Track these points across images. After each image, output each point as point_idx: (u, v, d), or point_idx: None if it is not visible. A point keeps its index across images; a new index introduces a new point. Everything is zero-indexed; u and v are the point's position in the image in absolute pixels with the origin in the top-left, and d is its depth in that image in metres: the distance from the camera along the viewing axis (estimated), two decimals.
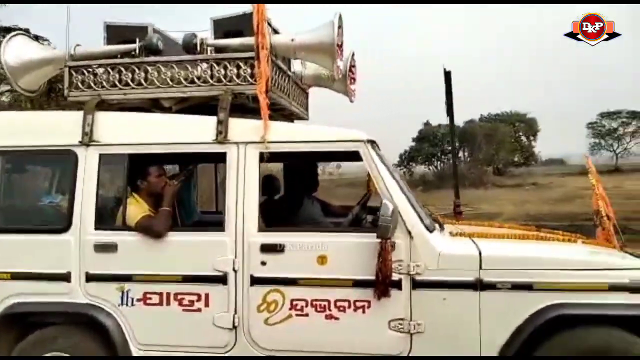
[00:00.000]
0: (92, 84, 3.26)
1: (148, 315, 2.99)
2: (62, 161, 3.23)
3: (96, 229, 3.06)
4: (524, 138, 36.15)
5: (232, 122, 3.04)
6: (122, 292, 3.01)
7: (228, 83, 3.13)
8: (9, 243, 3.14)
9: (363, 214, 3.32)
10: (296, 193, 3.67)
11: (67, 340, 3.06)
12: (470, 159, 31.55)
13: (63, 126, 3.21)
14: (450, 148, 32.36)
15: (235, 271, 2.93)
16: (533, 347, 2.69)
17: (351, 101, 4.12)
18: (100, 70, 3.26)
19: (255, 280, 2.92)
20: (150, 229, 2.98)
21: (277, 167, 4.61)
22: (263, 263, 2.91)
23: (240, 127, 3.05)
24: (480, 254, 2.78)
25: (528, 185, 25.52)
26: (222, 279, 2.94)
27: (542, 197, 19.36)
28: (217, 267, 2.93)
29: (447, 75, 5.19)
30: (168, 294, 2.98)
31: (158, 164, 3.27)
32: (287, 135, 3.03)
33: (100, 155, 3.11)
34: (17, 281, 3.09)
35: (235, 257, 2.93)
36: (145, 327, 3.01)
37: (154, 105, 3.35)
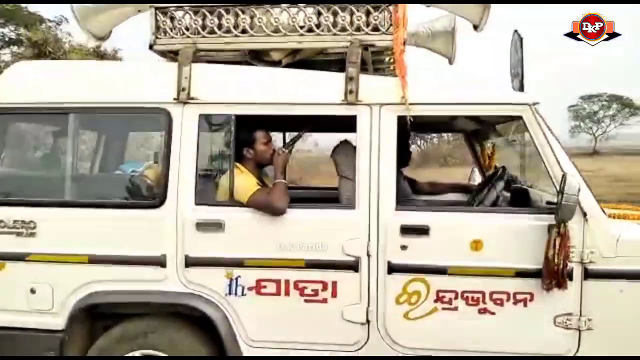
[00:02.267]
0: (184, 30, 2.70)
1: (262, 306, 2.53)
2: (151, 122, 2.71)
3: (197, 203, 2.55)
4: None
5: (362, 80, 2.54)
6: (231, 280, 2.53)
7: (355, 32, 2.61)
8: (86, 219, 2.61)
9: (501, 192, 2.87)
10: None
11: (161, 335, 2.56)
12: (454, 139, 31.39)
13: (153, 80, 2.66)
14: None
15: (369, 256, 2.48)
16: None
17: (451, 63, 3.65)
18: (192, 13, 2.69)
19: (393, 268, 2.47)
20: (269, 205, 2.49)
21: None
22: (403, 247, 2.46)
23: (373, 86, 2.56)
24: None
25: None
26: (353, 265, 2.48)
27: None
28: (348, 250, 2.47)
29: (521, 41, 4.32)
30: (287, 282, 2.51)
31: (264, 129, 2.76)
32: (433, 96, 2.54)
33: (200, 116, 2.58)
34: (96, 265, 2.57)
35: (369, 239, 2.47)
36: (258, 320, 2.54)
37: (255, 58, 2.81)
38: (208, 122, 2.63)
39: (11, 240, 2.61)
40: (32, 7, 14.98)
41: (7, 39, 16.15)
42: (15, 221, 2.61)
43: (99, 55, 11.11)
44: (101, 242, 2.58)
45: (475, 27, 2.75)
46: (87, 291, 2.58)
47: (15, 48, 15.74)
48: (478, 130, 3.63)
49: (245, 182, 2.59)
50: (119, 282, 2.57)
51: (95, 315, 2.66)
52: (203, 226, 2.52)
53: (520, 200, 2.78)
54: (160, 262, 2.54)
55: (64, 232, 2.60)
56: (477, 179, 3.93)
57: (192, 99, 2.57)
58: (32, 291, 2.61)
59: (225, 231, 2.52)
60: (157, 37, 2.72)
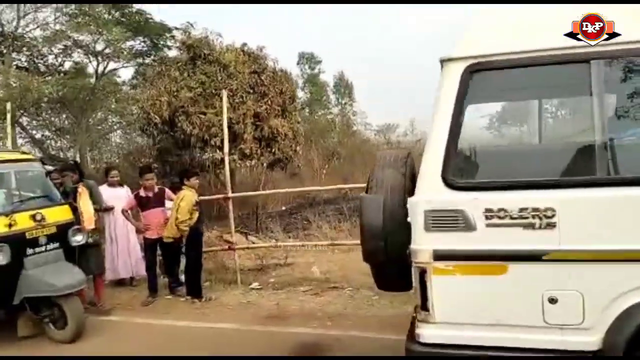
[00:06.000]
0: None
1: None
2: None
3: None
4: None
5: None
6: None
7: None
8: (631, 202, 1.91)
9: None
10: None
11: None
12: None
13: None
14: None
15: None
16: None
17: None
18: None
19: None
20: None
21: None
22: None
23: None
24: None
25: None
26: None
27: None
28: None
29: None
30: None
31: None
32: None
33: None
34: None
35: None
36: None
37: None
38: None
39: (516, 234, 1.98)
40: (158, 17, 14.59)
41: (134, 50, 15.67)
42: (522, 209, 1.96)
43: (246, 53, 10.85)
44: None
45: None
46: (636, 300, 1.90)
47: (140, 60, 15.30)
48: None
49: None
50: None
51: None
52: None
53: None
54: None
55: (597, 221, 1.93)
56: None
57: None
58: (552, 300, 1.96)
59: None
60: None
